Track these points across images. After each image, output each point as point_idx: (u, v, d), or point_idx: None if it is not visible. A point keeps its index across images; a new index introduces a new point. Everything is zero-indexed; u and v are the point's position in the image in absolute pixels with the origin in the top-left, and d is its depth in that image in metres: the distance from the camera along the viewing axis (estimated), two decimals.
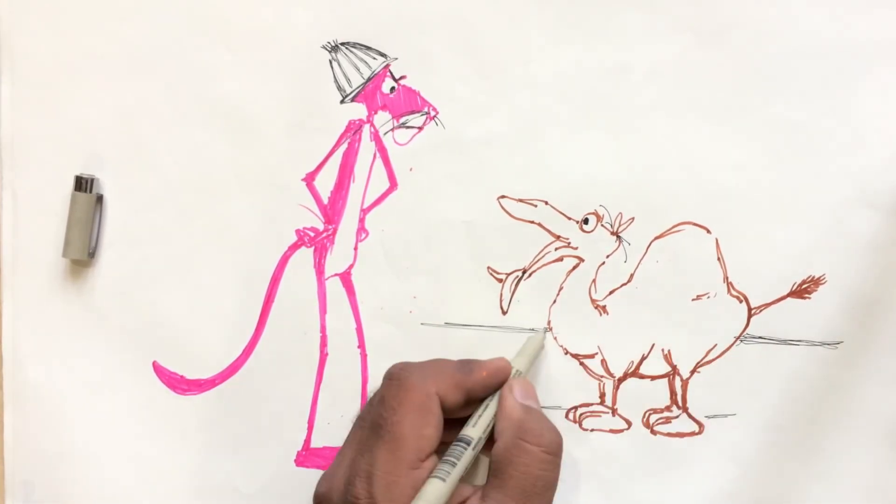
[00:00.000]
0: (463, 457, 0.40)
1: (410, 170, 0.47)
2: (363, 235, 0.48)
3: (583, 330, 0.47)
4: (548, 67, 0.46)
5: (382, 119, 0.47)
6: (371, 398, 0.42)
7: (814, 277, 0.45)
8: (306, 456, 0.49)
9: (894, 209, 0.44)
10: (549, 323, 0.47)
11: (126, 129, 0.48)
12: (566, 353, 0.47)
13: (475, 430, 0.41)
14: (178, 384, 0.49)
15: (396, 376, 0.41)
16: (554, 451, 0.40)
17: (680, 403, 0.47)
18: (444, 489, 0.38)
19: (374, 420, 0.40)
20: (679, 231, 0.46)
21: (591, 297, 0.47)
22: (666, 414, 0.47)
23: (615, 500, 0.48)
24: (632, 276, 0.46)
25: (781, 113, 0.45)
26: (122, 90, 0.48)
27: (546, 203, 0.47)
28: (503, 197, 0.47)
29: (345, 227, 0.48)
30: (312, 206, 0.48)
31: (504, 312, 0.47)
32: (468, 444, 0.40)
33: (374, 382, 0.48)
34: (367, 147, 0.47)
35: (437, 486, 0.38)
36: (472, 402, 0.42)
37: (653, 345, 0.47)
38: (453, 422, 0.42)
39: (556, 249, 0.47)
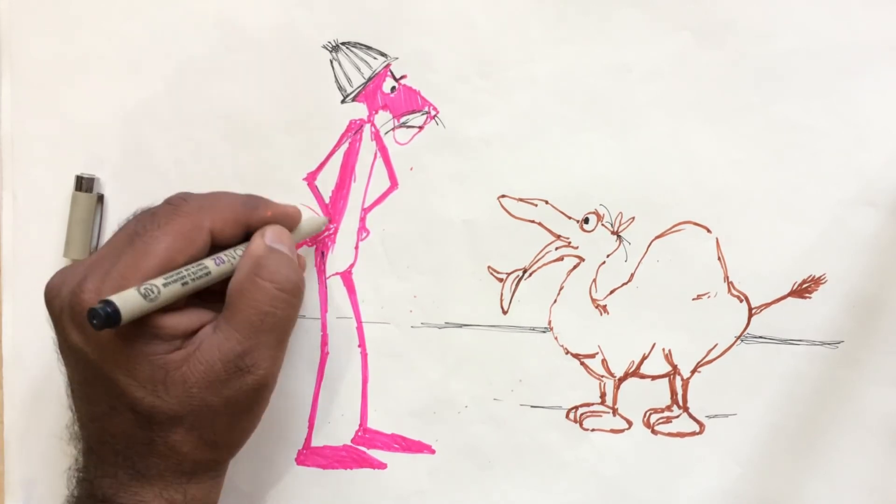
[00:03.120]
0: (185, 280, 0.38)
1: (411, 169, 0.47)
2: (364, 235, 0.48)
3: (583, 329, 0.47)
4: (548, 67, 0.46)
5: (383, 119, 0.47)
6: (143, 211, 0.42)
7: (814, 277, 0.45)
8: (307, 455, 0.49)
9: (894, 208, 0.44)
10: (549, 323, 0.47)
11: (126, 129, 0.48)
12: (567, 352, 0.47)
13: (215, 260, 0.40)
14: None
15: (174, 201, 0.41)
16: (288, 289, 0.40)
17: (680, 403, 0.47)
18: (138, 301, 0.36)
19: (135, 229, 0.40)
20: (679, 231, 0.46)
21: (591, 297, 0.47)
22: (666, 414, 0.47)
23: (615, 499, 0.48)
24: (632, 275, 0.46)
25: (781, 113, 0.45)
26: (122, 90, 0.48)
27: (546, 202, 0.47)
28: (503, 196, 0.47)
29: (346, 226, 0.48)
30: (314, 206, 0.48)
31: (504, 312, 0.47)
32: (202, 270, 0.39)
33: (375, 381, 0.48)
34: (367, 146, 0.47)
35: (131, 295, 0.36)
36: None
37: (653, 344, 0.47)
38: None
39: (556, 249, 0.47)
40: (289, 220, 0.44)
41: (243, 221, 0.42)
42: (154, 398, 0.38)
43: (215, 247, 0.41)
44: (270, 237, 0.42)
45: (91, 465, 0.41)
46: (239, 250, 0.41)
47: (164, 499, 0.40)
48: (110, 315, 0.35)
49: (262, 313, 0.39)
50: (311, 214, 0.47)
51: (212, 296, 0.41)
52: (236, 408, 0.40)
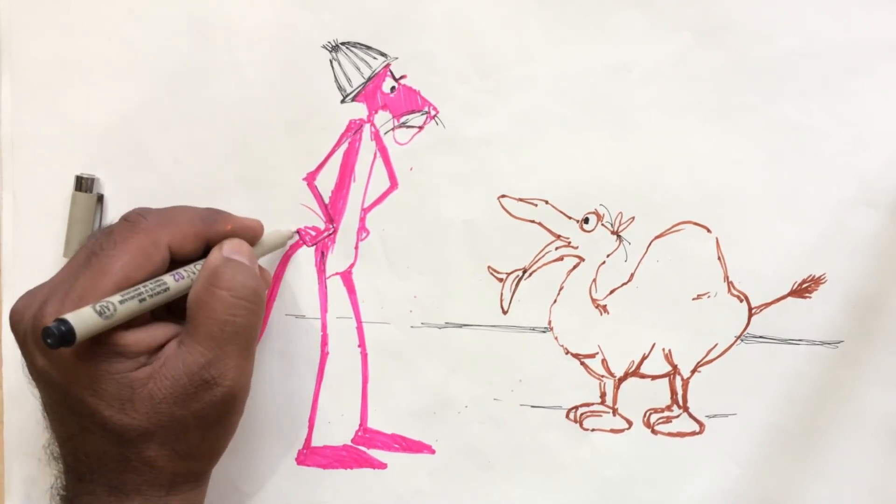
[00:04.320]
0: (142, 297, 0.38)
1: (411, 169, 0.47)
2: (364, 235, 0.48)
3: (583, 329, 0.47)
4: (548, 67, 0.46)
5: (383, 118, 0.47)
6: (100, 230, 0.42)
7: (814, 277, 0.45)
8: (307, 455, 0.49)
9: (894, 208, 0.44)
10: (549, 323, 0.47)
11: (126, 129, 0.48)
12: (567, 352, 0.47)
13: (174, 275, 0.40)
14: None
15: (131, 218, 0.41)
16: (244, 295, 0.40)
17: (680, 403, 0.47)
18: (93, 318, 0.36)
19: (92, 249, 0.40)
20: (679, 230, 0.46)
21: (591, 297, 0.47)
22: (667, 413, 0.47)
23: (615, 500, 0.48)
24: (632, 275, 0.46)
25: (781, 113, 0.45)
26: (122, 90, 0.48)
27: (546, 202, 0.47)
28: (503, 196, 0.47)
29: (346, 226, 0.48)
30: (314, 206, 0.48)
31: (504, 312, 0.47)
32: (160, 286, 0.39)
33: (375, 381, 0.48)
34: (367, 146, 0.47)
35: (85, 312, 0.36)
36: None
37: (653, 344, 0.47)
38: None
39: (556, 249, 0.47)
40: (250, 232, 0.44)
41: (203, 236, 0.42)
42: (122, 416, 0.38)
43: (176, 262, 0.41)
44: (228, 249, 0.41)
45: (70, 483, 0.41)
46: (199, 265, 0.41)
47: None
48: (64, 333, 0.35)
49: (221, 322, 0.39)
50: (275, 228, 0.46)
51: (181, 311, 0.41)
52: (206, 420, 0.40)
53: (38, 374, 0.39)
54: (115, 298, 0.37)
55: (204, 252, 0.42)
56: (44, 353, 0.38)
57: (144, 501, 0.40)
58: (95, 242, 0.40)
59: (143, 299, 0.38)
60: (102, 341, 0.37)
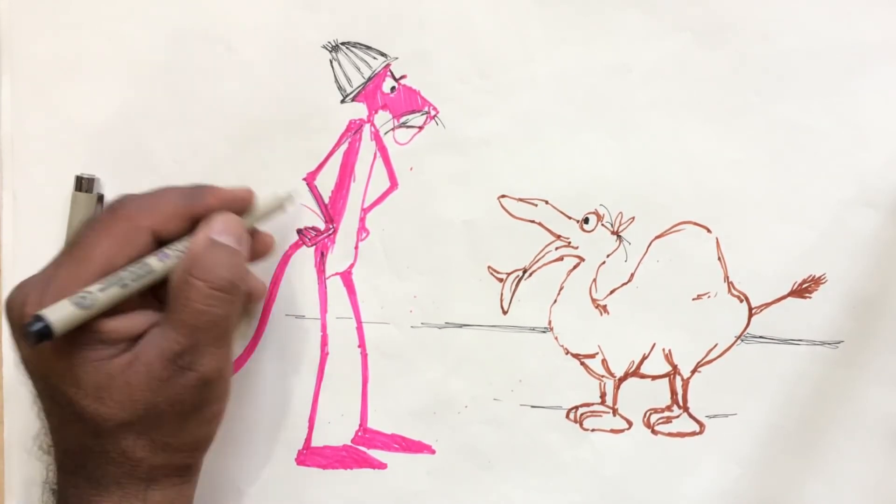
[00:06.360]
0: (124, 283, 0.38)
1: (411, 169, 0.47)
2: (364, 235, 0.48)
3: (583, 329, 0.47)
4: (548, 67, 0.46)
5: (383, 119, 0.47)
6: (85, 221, 0.42)
7: (814, 277, 0.45)
8: (307, 455, 0.49)
9: (894, 208, 0.44)
10: (549, 323, 0.47)
11: (126, 129, 0.48)
12: (567, 352, 0.47)
13: (158, 256, 0.40)
14: None
15: (112, 206, 0.41)
16: (221, 287, 0.39)
17: (681, 403, 0.47)
18: (71, 311, 0.36)
19: (74, 240, 0.40)
20: (679, 230, 0.46)
21: (591, 297, 0.47)
22: (667, 414, 0.47)
23: (615, 499, 0.48)
24: (632, 275, 0.46)
25: (781, 113, 0.45)
26: (122, 90, 0.48)
27: (546, 202, 0.47)
28: (503, 196, 0.47)
29: (345, 226, 0.48)
30: (313, 206, 0.48)
31: (504, 312, 0.47)
32: (144, 269, 0.39)
33: (375, 381, 0.48)
34: (367, 147, 0.47)
35: (63, 306, 0.36)
36: None
37: (653, 344, 0.47)
38: None
39: (556, 249, 0.47)
40: (238, 203, 0.43)
41: (186, 214, 0.41)
42: (99, 405, 0.38)
43: (164, 243, 0.41)
44: (216, 228, 0.41)
45: (58, 476, 0.41)
46: (185, 243, 0.41)
47: None
48: (42, 329, 0.35)
49: (196, 312, 0.39)
50: (269, 192, 0.45)
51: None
52: (182, 407, 0.39)
53: (25, 366, 0.40)
54: (95, 287, 0.37)
55: (192, 229, 0.41)
56: (28, 345, 0.38)
57: (123, 495, 0.39)
58: (77, 233, 0.40)
59: (126, 284, 0.38)
60: (84, 328, 0.37)
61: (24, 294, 0.38)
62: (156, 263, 0.39)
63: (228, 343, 0.41)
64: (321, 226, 0.48)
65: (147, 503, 0.40)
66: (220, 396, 0.41)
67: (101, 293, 0.37)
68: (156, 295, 0.41)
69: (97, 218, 0.40)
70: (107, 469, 0.39)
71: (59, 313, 0.36)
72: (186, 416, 0.40)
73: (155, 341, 0.39)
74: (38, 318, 0.35)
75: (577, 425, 0.47)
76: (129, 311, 0.39)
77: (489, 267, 0.47)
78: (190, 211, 0.41)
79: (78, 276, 0.38)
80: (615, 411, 0.47)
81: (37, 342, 0.35)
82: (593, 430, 0.47)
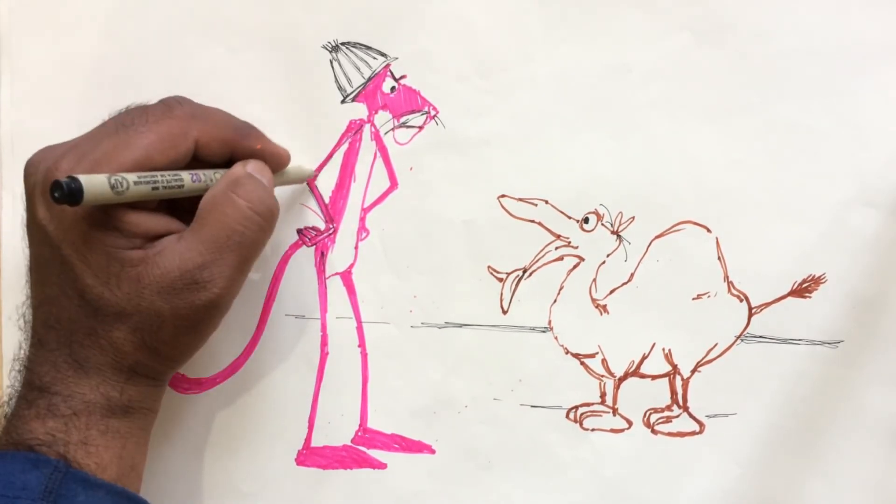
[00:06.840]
0: (156, 185, 0.38)
1: (411, 169, 0.47)
2: (364, 235, 0.48)
3: (583, 329, 0.47)
4: (548, 67, 0.46)
5: (383, 119, 0.47)
6: (136, 106, 0.42)
7: (814, 277, 0.45)
8: (307, 455, 0.49)
9: (894, 208, 0.44)
10: (549, 322, 0.47)
11: None
12: (567, 352, 0.47)
13: (192, 175, 0.40)
14: (180, 383, 0.49)
15: (169, 102, 0.41)
16: (261, 212, 0.40)
17: (680, 403, 0.47)
18: (104, 188, 0.36)
19: (122, 121, 0.40)
20: (679, 230, 0.46)
21: (591, 297, 0.47)
22: (667, 413, 0.47)
23: (615, 499, 0.48)
24: (632, 275, 0.46)
25: (781, 113, 0.45)
26: (122, 90, 0.48)
27: (546, 202, 0.47)
28: (503, 196, 0.47)
29: (346, 226, 0.48)
30: (314, 206, 0.48)
31: (504, 312, 0.47)
32: (176, 179, 0.39)
33: (375, 381, 0.48)
34: (367, 147, 0.47)
35: (98, 179, 0.36)
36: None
37: (653, 344, 0.47)
38: None
39: (556, 249, 0.47)
40: (276, 160, 0.44)
41: (231, 143, 0.42)
42: (104, 289, 0.38)
43: (198, 161, 0.41)
44: (252, 167, 0.42)
45: (33, 351, 0.40)
46: (218, 173, 0.41)
47: (101, 393, 0.39)
48: (73, 191, 0.35)
49: (229, 230, 0.39)
50: (298, 164, 0.46)
51: (186, 215, 0.41)
52: (183, 321, 0.39)
53: (36, 228, 0.39)
54: (131, 177, 0.37)
55: (226, 163, 0.42)
56: (47, 207, 0.38)
57: (102, 381, 0.39)
58: (127, 116, 0.40)
59: (157, 188, 0.38)
60: (106, 213, 0.38)
61: (53, 157, 0.38)
62: (188, 180, 0.40)
63: (247, 271, 0.41)
64: (321, 225, 0.48)
65: (123, 395, 0.40)
66: (219, 320, 0.42)
67: (133, 185, 0.37)
68: (171, 213, 0.41)
69: (149, 109, 0.40)
70: (92, 352, 0.39)
71: (92, 184, 0.35)
72: (183, 329, 0.40)
73: (177, 250, 0.39)
74: (73, 180, 0.35)
75: (577, 425, 0.47)
76: (150, 212, 0.39)
77: (489, 267, 0.47)
78: (236, 143, 0.42)
79: (116, 159, 0.38)
80: (615, 411, 0.47)
81: (62, 202, 0.35)
82: (593, 430, 0.47)
